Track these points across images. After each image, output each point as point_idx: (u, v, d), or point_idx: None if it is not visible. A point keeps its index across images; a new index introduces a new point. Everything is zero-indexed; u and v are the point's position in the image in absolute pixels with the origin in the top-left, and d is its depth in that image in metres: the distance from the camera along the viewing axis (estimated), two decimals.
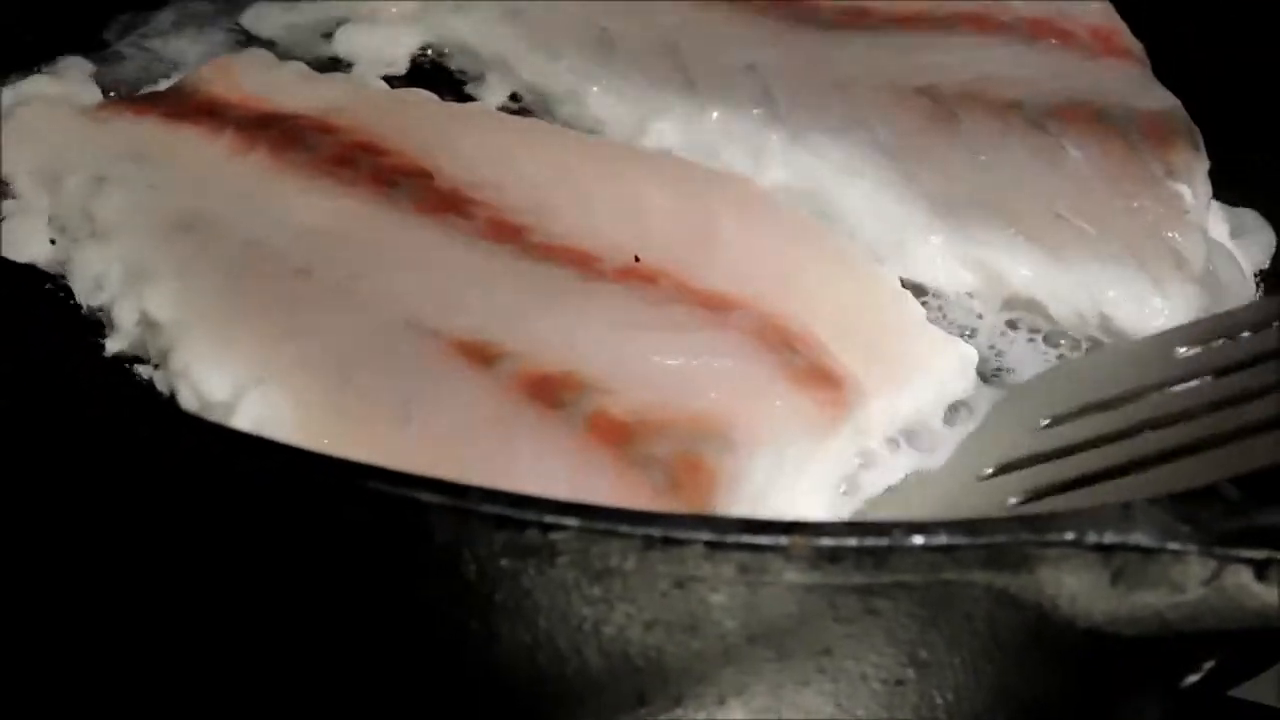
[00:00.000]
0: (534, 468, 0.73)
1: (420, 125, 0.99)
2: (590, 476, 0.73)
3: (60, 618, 0.72)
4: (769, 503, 0.75)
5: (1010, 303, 0.97)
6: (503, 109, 1.12)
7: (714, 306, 0.84)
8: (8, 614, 0.72)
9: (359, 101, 1.02)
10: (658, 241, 0.89)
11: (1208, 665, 0.69)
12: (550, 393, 0.77)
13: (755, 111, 1.06)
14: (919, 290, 0.97)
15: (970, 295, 0.98)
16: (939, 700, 0.64)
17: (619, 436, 0.75)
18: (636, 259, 0.87)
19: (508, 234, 0.89)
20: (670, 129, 1.07)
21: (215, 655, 0.68)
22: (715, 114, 1.07)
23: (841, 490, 0.81)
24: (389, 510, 0.58)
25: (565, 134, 1.05)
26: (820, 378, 0.81)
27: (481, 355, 0.79)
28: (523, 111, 1.12)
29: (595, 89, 1.11)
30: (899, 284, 0.91)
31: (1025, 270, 0.96)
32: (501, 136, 0.99)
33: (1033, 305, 0.96)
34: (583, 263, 0.87)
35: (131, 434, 0.62)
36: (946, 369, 0.86)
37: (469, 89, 1.15)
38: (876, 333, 0.86)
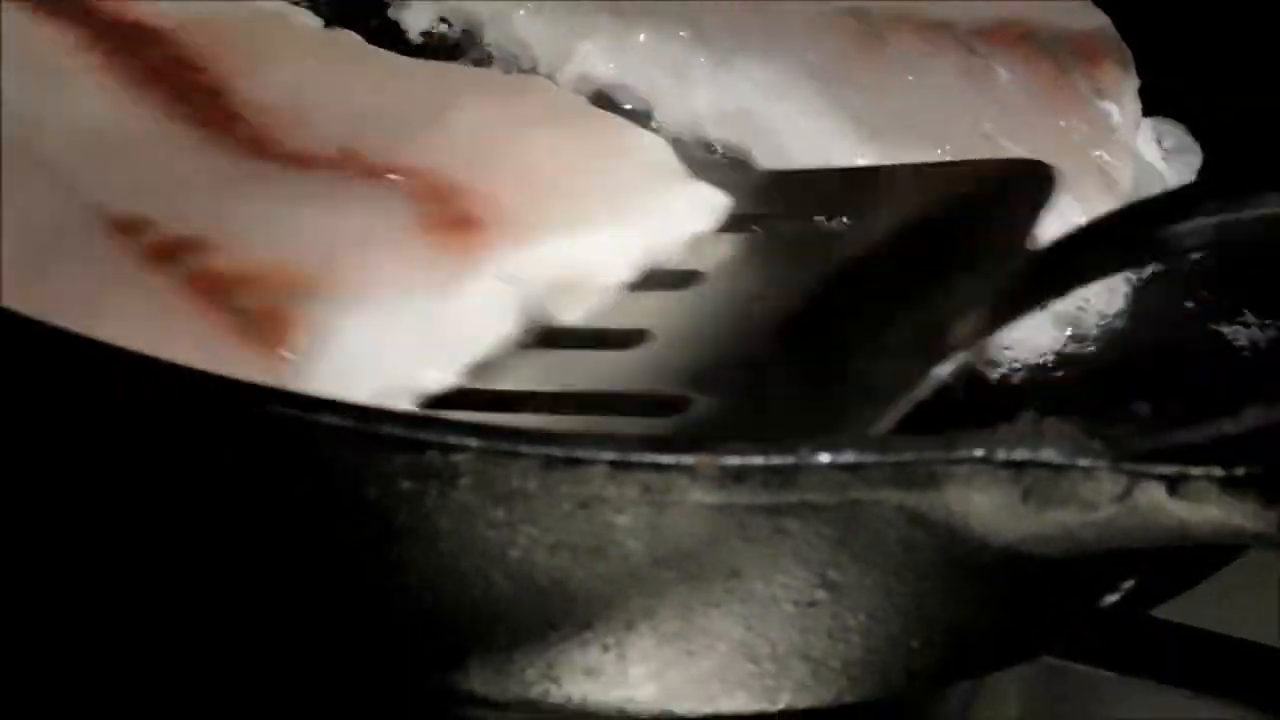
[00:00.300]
0: (131, 322, 0.70)
1: (249, 45, 0.96)
2: (177, 326, 0.71)
3: None
4: (387, 356, 0.73)
5: None
6: (428, 33, 1.11)
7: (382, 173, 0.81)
8: None
9: (212, 18, 0.99)
10: (391, 137, 0.86)
11: (1126, 585, 0.68)
12: (169, 254, 0.75)
13: (682, 34, 1.05)
14: None
15: None
16: (852, 622, 0.63)
17: (215, 289, 0.73)
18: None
19: (257, 146, 0.86)
20: (595, 51, 1.06)
21: (105, 591, 0.68)
22: (641, 36, 1.06)
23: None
24: (282, 433, 0.57)
25: (390, 58, 0.99)
26: (455, 224, 0.78)
27: (127, 227, 0.77)
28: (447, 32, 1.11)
29: (521, 11, 1.10)
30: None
31: None
32: (324, 61, 0.96)
33: None
34: (304, 162, 0.84)
35: None
36: (671, 209, 0.84)
37: (391, 13, 1.14)
38: (581, 179, 0.83)
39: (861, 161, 0.97)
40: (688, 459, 0.56)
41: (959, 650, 0.67)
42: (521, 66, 1.09)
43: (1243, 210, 0.71)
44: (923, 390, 0.68)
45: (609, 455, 0.56)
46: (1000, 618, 0.66)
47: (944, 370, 0.69)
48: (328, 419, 0.56)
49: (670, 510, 0.57)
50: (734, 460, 0.56)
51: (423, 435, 0.56)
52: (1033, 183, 0.80)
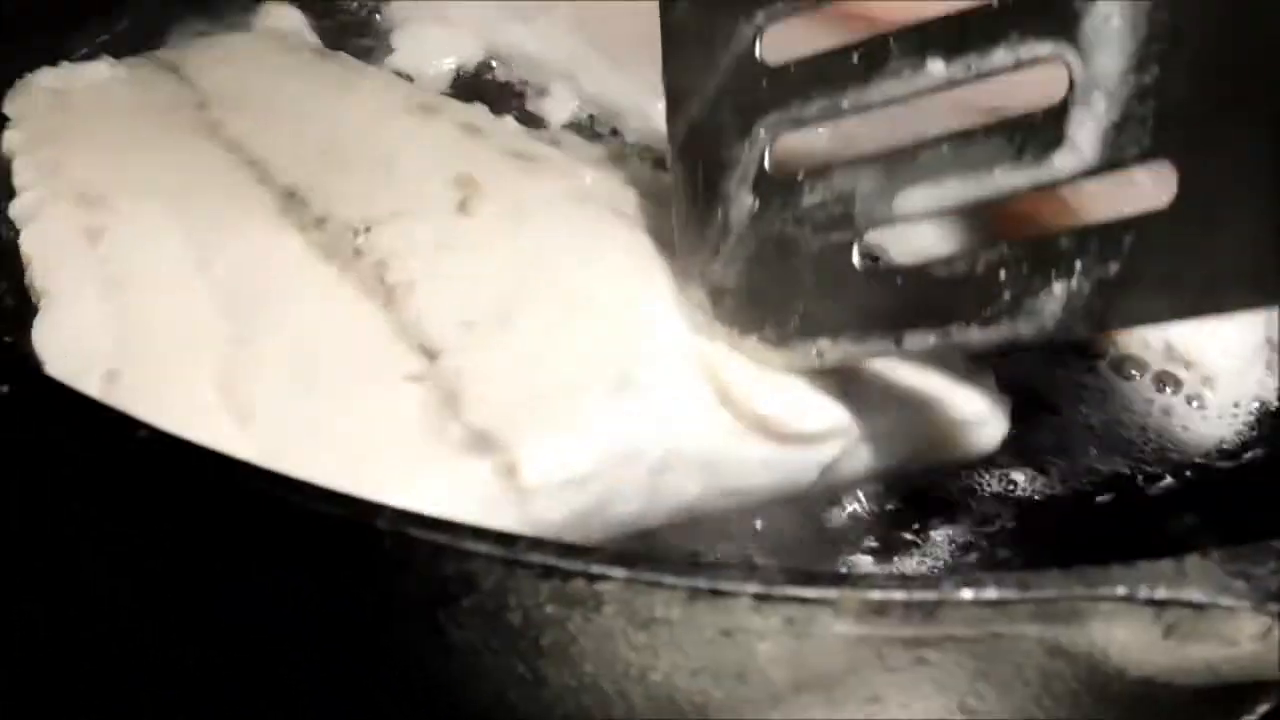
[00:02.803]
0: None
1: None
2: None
3: None
4: None
5: None
6: (572, 124, 1.12)
7: None
8: None
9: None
10: None
11: (1262, 708, 0.68)
12: None
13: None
14: None
15: None
16: None
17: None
18: None
19: None
20: None
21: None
22: None
23: None
24: (427, 557, 0.58)
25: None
26: None
27: None
28: (589, 124, 1.12)
29: (661, 104, 1.10)
30: None
31: None
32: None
33: None
34: None
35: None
36: None
37: (530, 104, 1.15)
38: None
39: None
40: (832, 593, 0.56)
41: None
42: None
43: None
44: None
45: (753, 588, 0.56)
46: None
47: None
48: (474, 545, 0.57)
49: (812, 640, 0.57)
50: (877, 595, 0.56)
51: (569, 564, 0.56)
52: None
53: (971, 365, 0.83)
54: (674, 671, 0.59)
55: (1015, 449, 0.88)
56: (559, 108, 1.13)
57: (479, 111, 1.03)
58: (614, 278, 0.84)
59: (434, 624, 0.60)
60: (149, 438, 0.60)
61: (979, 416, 0.82)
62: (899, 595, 0.57)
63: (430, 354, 0.79)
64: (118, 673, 0.72)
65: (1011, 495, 0.87)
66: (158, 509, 0.63)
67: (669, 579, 0.56)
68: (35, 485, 0.67)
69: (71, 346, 0.79)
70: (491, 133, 0.98)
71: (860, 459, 0.81)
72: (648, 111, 1.09)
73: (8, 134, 1.04)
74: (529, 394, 0.76)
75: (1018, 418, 0.87)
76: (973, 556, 0.83)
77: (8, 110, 1.08)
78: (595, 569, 0.56)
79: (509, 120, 1.02)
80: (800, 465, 0.79)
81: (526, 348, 0.79)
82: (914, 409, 0.80)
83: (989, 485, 0.87)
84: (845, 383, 0.79)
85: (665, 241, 0.86)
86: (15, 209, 0.96)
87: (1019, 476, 0.88)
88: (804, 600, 0.56)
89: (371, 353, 0.80)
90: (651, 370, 0.78)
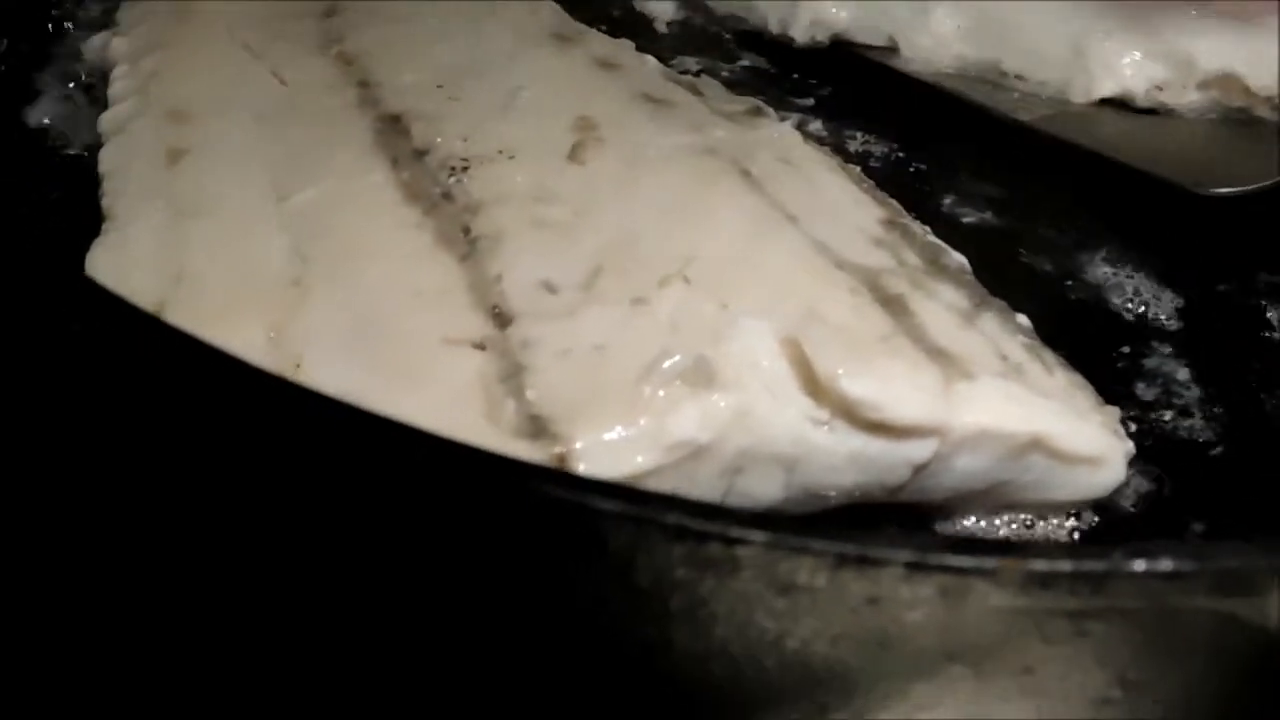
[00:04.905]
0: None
1: None
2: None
3: None
4: None
5: (1203, 85, 0.95)
6: (678, 21, 1.10)
7: None
8: None
9: None
10: None
11: None
12: None
13: None
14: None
15: (1160, 88, 0.96)
16: (1146, 718, 0.59)
17: None
18: None
19: None
20: None
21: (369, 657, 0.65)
22: None
23: None
24: (557, 514, 0.54)
25: None
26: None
27: None
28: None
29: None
30: None
31: (1214, 45, 0.94)
32: None
33: (1228, 81, 0.94)
34: None
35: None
36: None
37: (636, 3, 1.12)
38: None
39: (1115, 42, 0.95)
40: (990, 563, 0.52)
41: None
42: (750, 23, 1.06)
43: None
44: None
45: (906, 556, 0.52)
46: None
47: None
48: (605, 504, 0.53)
49: (966, 611, 0.53)
50: (1041, 565, 0.52)
51: (705, 526, 0.52)
52: None
53: (1101, 399, 0.78)
54: (812, 638, 0.55)
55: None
56: (665, 8, 1.09)
57: (621, 47, 0.97)
58: (716, 244, 0.79)
59: (557, 585, 0.57)
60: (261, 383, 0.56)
61: (1094, 456, 0.76)
62: (1065, 566, 0.52)
63: (502, 319, 0.74)
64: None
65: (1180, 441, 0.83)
66: (254, 458, 0.59)
67: (815, 544, 0.52)
68: (115, 427, 0.63)
69: (123, 274, 0.74)
70: (628, 71, 0.94)
71: (955, 472, 0.75)
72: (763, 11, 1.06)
73: (116, 40, 1.00)
74: (596, 377, 0.71)
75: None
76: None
77: (121, 16, 1.04)
78: (734, 532, 0.52)
79: (650, 60, 0.96)
80: (890, 463, 0.74)
81: (605, 321, 0.74)
82: (1023, 427, 0.75)
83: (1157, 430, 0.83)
84: (949, 380, 0.73)
85: (788, 207, 0.81)
86: (104, 121, 0.92)
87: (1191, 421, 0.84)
88: (960, 570, 0.52)
89: (438, 311, 0.75)
90: (731, 354, 0.73)
